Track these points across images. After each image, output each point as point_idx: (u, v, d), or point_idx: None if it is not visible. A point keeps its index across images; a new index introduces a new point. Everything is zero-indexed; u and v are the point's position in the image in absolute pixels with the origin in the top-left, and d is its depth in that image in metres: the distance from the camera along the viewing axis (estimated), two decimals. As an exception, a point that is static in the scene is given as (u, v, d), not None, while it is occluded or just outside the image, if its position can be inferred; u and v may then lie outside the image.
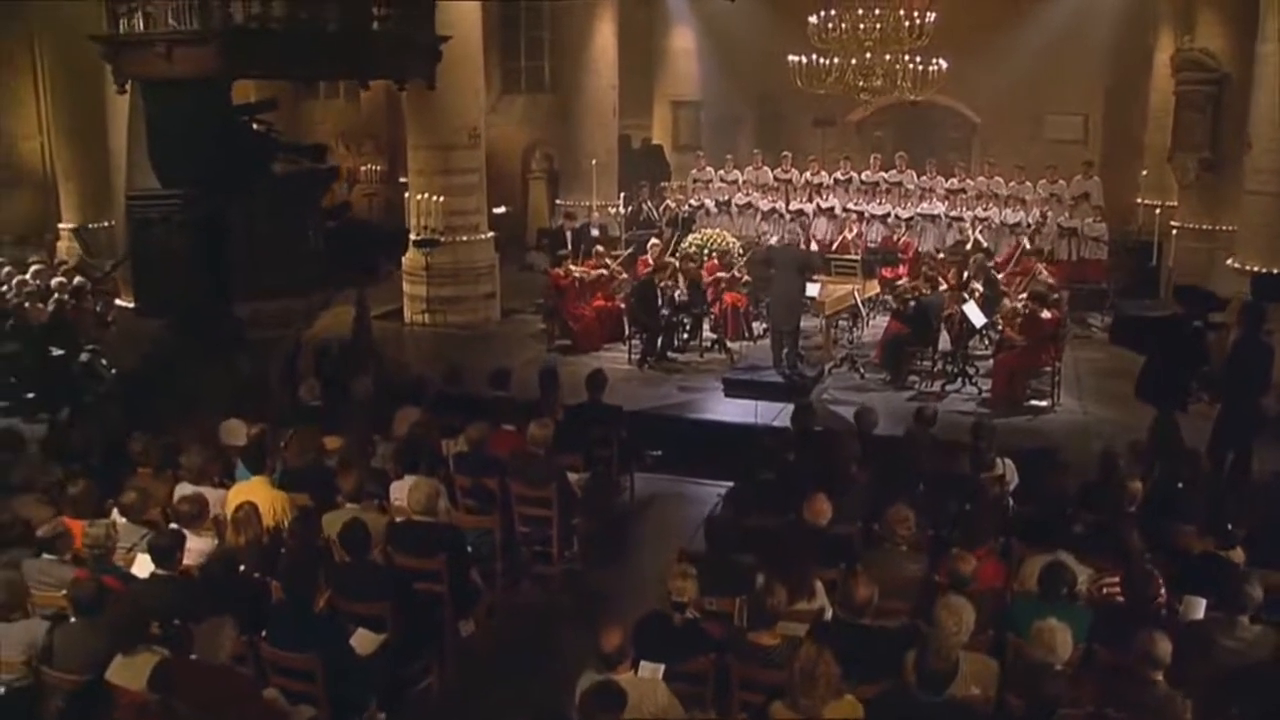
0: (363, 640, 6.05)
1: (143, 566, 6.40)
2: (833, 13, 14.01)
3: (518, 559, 7.73)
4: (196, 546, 6.53)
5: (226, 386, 9.60)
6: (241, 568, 6.24)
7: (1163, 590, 5.85)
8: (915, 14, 13.87)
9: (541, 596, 7.79)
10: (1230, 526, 6.46)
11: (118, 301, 11.63)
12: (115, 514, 7.02)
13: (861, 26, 13.89)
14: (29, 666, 5.47)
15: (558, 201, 18.85)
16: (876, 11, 13.70)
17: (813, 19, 14.23)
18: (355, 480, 6.92)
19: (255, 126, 9.94)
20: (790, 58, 14.50)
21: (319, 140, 21.26)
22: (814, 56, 14.28)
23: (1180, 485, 7.43)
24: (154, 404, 9.30)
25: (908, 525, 6.41)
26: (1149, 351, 8.56)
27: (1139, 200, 17.19)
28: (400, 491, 7.33)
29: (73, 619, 5.67)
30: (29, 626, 5.60)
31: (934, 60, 14.00)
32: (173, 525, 6.77)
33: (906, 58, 13.95)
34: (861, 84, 14.33)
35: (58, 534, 6.30)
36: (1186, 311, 8.39)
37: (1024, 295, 11.56)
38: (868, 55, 13.87)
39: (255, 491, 7.05)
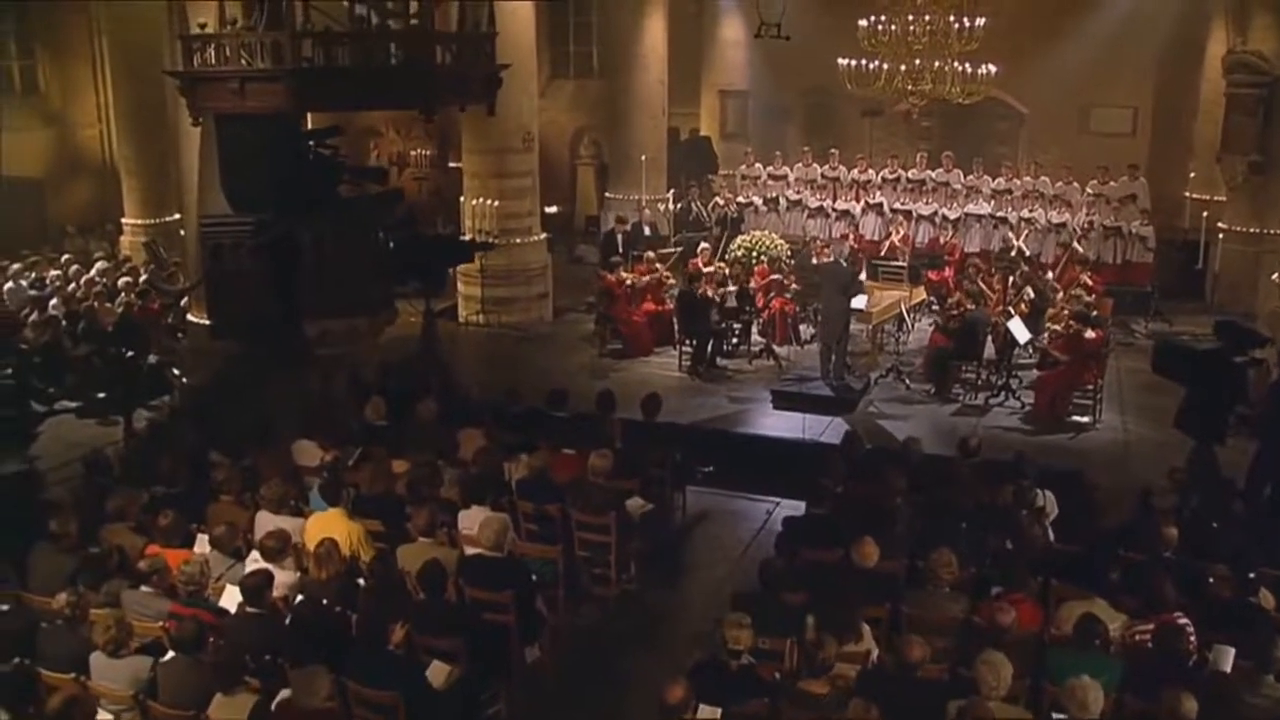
0: (437, 672, 6.48)
1: (230, 596, 6.89)
2: (883, 18, 14.12)
3: (578, 584, 8.13)
4: (280, 579, 6.98)
5: (296, 405, 10.07)
6: (324, 601, 6.71)
7: (1193, 639, 6.18)
8: (965, 18, 13.97)
9: (601, 619, 8.18)
10: (1253, 575, 6.77)
11: (190, 316, 12.10)
12: (203, 543, 7.53)
13: (912, 29, 14.00)
14: (136, 701, 5.96)
15: (607, 195, 19.10)
16: (926, 18, 13.78)
17: (863, 22, 14.36)
18: (428, 516, 7.34)
19: (321, 151, 10.30)
20: (840, 61, 14.66)
21: (370, 125, 21.91)
22: (863, 61, 14.42)
23: (1215, 525, 7.70)
24: (227, 421, 9.78)
25: (950, 570, 6.77)
26: (1190, 384, 8.77)
27: (1187, 194, 17.20)
28: (468, 521, 7.75)
29: (172, 653, 6.16)
30: (135, 663, 6.08)
31: (983, 65, 14.09)
32: (256, 556, 7.23)
33: (956, 63, 14.05)
34: (910, 87, 14.46)
35: (156, 569, 6.78)
36: (1227, 346, 8.57)
37: (1067, 312, 11.73)
38: (917, 61, 13.98)
39: (332, 524, 7.49)
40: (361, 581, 7.13)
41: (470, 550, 7.46)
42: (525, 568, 7.37)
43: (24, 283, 15.88)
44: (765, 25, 13.23)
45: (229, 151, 9.81)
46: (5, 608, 6.53)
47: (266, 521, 7.68)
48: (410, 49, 9.31)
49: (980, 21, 13.92)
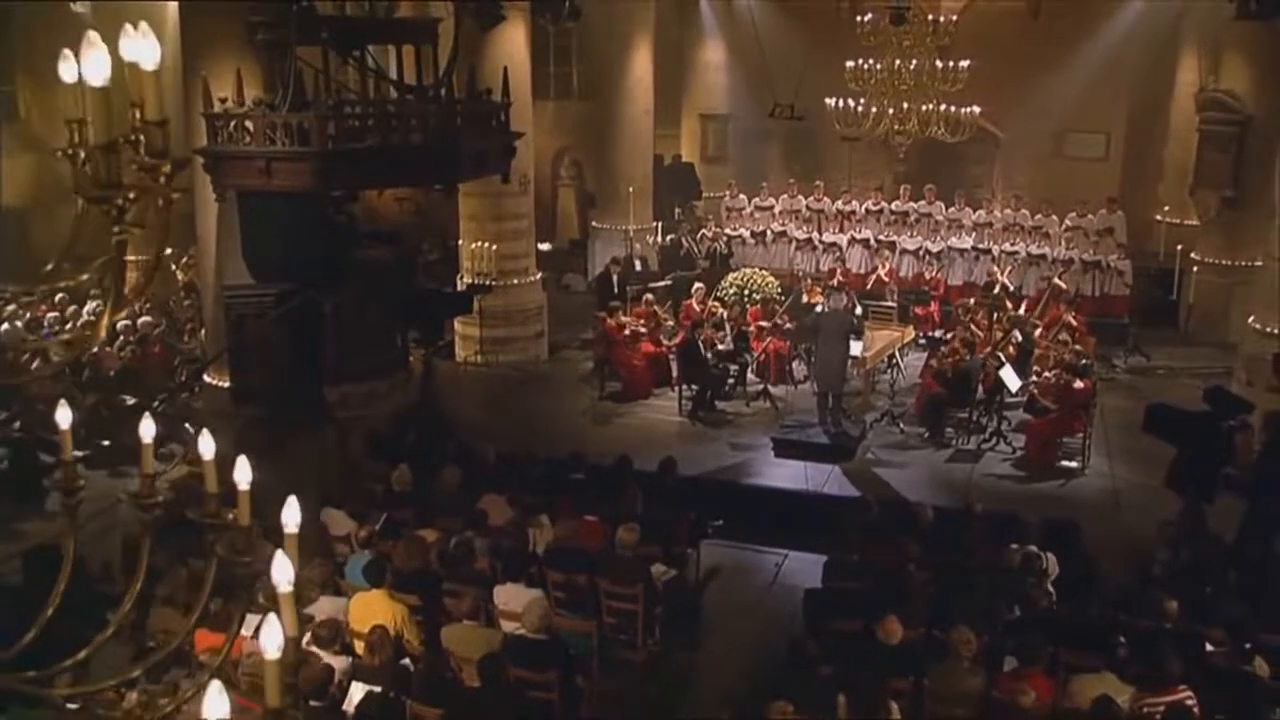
0: (490, 756, 6.84)
1: (284, 682, 7.17)
2: (870, 61, 14.48)
3: (609, 651, 8.49)
4: (334, 665, 7.29)
5: (316, 468, 10.35)
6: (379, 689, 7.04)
7: (1196, 712, 6.66)
8: (950, 60, 14.38)
9: (630, 683, 8.53)
10: (1249, 645, 7.27)
11: (208, 378, 12.26)
12: (248, 623, 7.80)
13: (899, 71, 14.36)
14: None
15: (594, 224, 19.37)
16: (914, 63, 14.14)
17: (850, 63, 14.73)
18: (472, 601, 7.67)
19: (339, 218, 10.55)
20: (827, 101, 15.03)
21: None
22: (848, 100, 14.80)
23: (1208, 589, 8.21)
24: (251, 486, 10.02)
25: (970, 646, 7.19)
26: (1180, 445, 9.26)
27: (1159, 218, 17.76)
28: (504, 596, 8.09)
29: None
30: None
31: (967, 107, 14.51)
32: (311, 646, 7.52)
33: (941, 105, 14.46)
34: (897, 128, 14.85)
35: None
36: (1216, 411, 9.08)
37: (1053, 357, 12.21)
38: (905, 105, 14.36)
39: (377, 606, 7.78)
40: (408, 662, 7.49)
41: (508, 626, 7.81)
42: (565, 645, 7.72)
43: (19, 324, 15.91)
44: (779, 106, 13.64)
45: (250, 224, 10.03)
46: (75, 706, 6.77)
47: (312, 607, 7.96)
48: (431, 127, 9.51)
49: (965, 64, 14.35)
